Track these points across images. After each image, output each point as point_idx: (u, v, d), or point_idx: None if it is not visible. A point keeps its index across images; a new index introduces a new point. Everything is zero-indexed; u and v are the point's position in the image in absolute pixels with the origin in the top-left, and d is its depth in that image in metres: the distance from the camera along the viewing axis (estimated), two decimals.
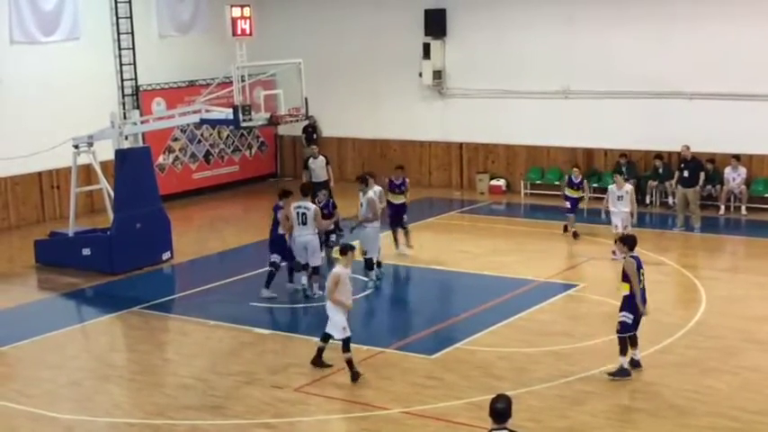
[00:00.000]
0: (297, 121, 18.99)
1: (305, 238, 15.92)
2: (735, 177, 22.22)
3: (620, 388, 11.95)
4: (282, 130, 27.34)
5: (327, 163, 21.38)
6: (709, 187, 22.37)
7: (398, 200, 18.94)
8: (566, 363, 12.85)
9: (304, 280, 16.25)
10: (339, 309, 12.46)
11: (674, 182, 21.58)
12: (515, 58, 24.69)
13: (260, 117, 17.75)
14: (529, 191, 24.86)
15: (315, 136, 27.75)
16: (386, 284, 17.09)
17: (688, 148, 21.23)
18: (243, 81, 17.54)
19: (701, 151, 22.58)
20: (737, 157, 22.18)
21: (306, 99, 18.31)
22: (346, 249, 12.80)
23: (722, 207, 22.24)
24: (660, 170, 22.98)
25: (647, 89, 23.03)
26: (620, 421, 10.99)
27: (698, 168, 21.18)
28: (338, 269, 12.55)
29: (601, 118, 23.70)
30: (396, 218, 18.88)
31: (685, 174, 20.94)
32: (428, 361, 13.13)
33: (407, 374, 12.62)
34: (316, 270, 16.12)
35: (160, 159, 25.04)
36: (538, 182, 24.81)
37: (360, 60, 26.80)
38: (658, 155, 23.07)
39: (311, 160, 21.26)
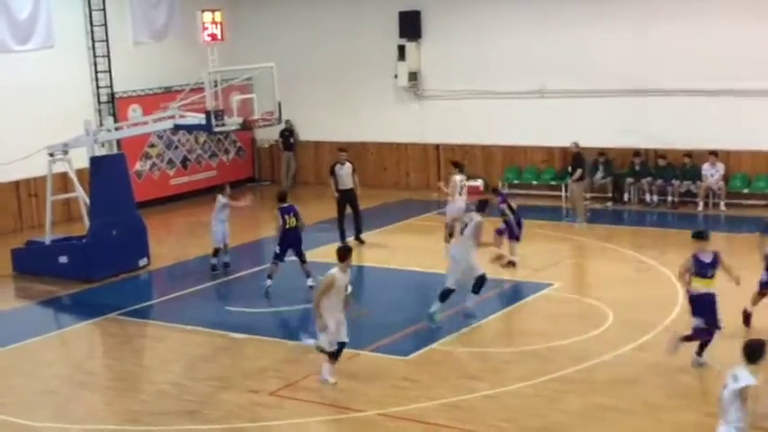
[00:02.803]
0: (270, 125, 18.99)
1: None
2: (713, 173, 22.31)
3: (594, 385, 11.98)
4: (261, 133, 27.29)
5: (354, 170, 20.30)
6: (687, 183, 22.53)
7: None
8: (541, 362, 12.87)
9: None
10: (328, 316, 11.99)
11: (570, 179, 21.92)
12: (491, 58, 24.74)
13: (233, 122, 17.73)
14: (506, 191, 24.78)
15: (292, 140, 27.77)
16: (362, 286, 17.08)
17: (577, 144, 21.68)
18: (216, 86, 17.53)
19: (678, 148, 22.78)
20: (715, 154, 22.30)
21: (279, 103, 18.32)
22: (346, 252, 12.24)
23: (701, 203, 22.34)
24: (637, 168, 23.08)
25: (624, 87, 23.08)
26: (596, 419, 11.01)
27: (583, 164, 21.72)
28: (335, 272, 12.02)
29: (578, 116, 23.75)
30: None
31: (569, 169, 21.71)
32: (404, 362, 13.14)
33: (383, 376, 12.62)
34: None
35: (137, 166, 24.96)
36: (515, 181, 24.85)
37: (335, 63, 26.80)
38: (636, 152, 23.17)
39: (338, 166, 20.21)
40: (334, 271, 12.06)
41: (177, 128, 19.60)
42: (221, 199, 18.19)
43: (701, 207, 22.29)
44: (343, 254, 12.23)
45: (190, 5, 22.68)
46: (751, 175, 22.43)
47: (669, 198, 22.59)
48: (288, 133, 27.58)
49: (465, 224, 14.79)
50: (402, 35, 25.64)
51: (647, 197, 22.94)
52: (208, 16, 17.90)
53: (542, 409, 11.34)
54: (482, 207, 15.17)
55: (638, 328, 13.98)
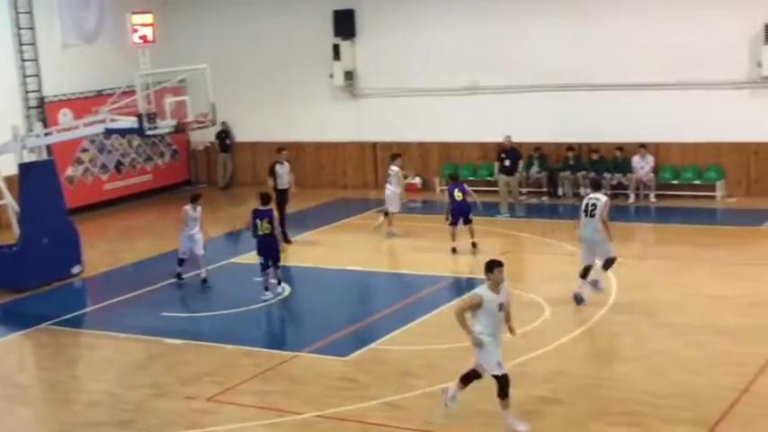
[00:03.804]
0: (205, 127, 18.80)
1: None
2: (643, 166, 22.65)
3: (535, 378, 12.04)
4: (197, 136, 27.01)
5: (290, 170, 20.35)
6: (619, 175, 22.83)
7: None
8: None
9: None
10: (487, 337, 10.37)
11: (495, 171, 22.52)
12: (425, 55, 24.78)
13: (166, 124, 17.53)
14: (444, 187, 24.88)
15: (228, 142, 27.55)
16: (301, 287, 16.98)
17: (509, 138, 22.13)
18: (148, 89, 17.29)
19: (610, 141, 23.05)
20: (645, 146, 22.62)
21: (213, 105, 18.15)
22: (493, 265, 10.31)
23: (632, 195, 22.67)
24: (571, 162, 23.32)
25: (557, 82, 23.29)
26: (534, 411, 11.05)
27: (517, 157, 22.22)
28: (482, 291, 10.32)
29: (512, 112, 23.88)
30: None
31: (506, 163, 22.10)
32: (342, 363, 13.07)
33: (322, 377, 12.54)
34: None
35: (69, 171, 24.52)
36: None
37: (270, 64, 26.62)
38: (570, 147, 23.40)
39: (278, 166, 20.15)
40: (482, 289, 10.36)
41: (109, 132, 19.29)
42: (190, 212, 17.05)
43: (632, 199, 22.62)
44: (490, 266, 10.32)
45: (120, 7, 22.35)
46: (679, 167, 22.80)
47: (602, 191, 22.82)
48: (224, 135, 27.35)
49: (593, 204, 14.91)
50: (337, 34, 25.56)
51: (582, 190, 23.16)
52: (138, 18, 17.69)
53: (481, 404, 11.32)
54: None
55: (574, 320, 14.11)
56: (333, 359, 13.20)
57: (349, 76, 25.70)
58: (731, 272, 16.21)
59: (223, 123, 26.41)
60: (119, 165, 26.21)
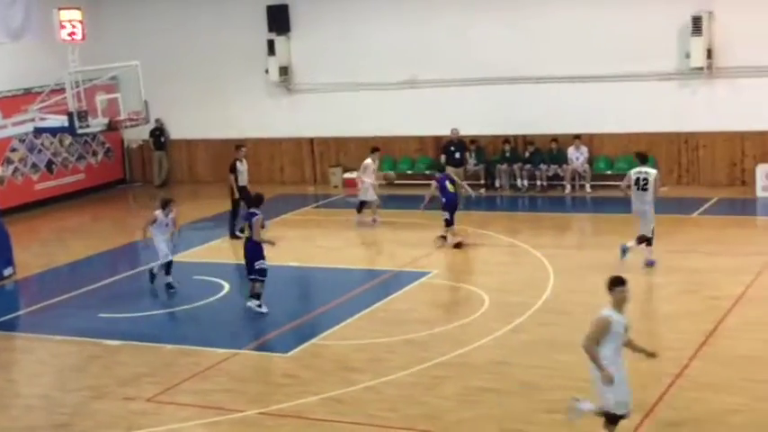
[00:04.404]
0: (138, 124, 18.56)
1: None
2: (578, 157, 22.94)
3: (474, 369, 12.13)
4: (130, 134, 26.64)
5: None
6: (555, 167, 23.09)
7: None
8: (421, 349, 12.95)
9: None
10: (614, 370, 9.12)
11: (443, 163, 22.51)
12: (362, 50, 24.74)
13: (98, 123, 17.28)
14: (382, 182, 24.94)
15: (163, 139, 27.23)
16: (240, 284, 16.84)
17: (456, 131, 22.57)
18: (78, 86, 17.01)
19: (545, 133, 23.29)
20: (579, 137, 22.91)
21: (146, 102, 17.92)
22: (617, 282, 9.26)
23: (567, 186, 22.95)
24: (508, 154, 23.52)
25: (493, 75, 23.42)
26: (473, 402, 11.13)
27: (464, 149, 22.64)
28: (609, 313, 9.21)
29: (449, 105, 24.00)
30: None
31: (456, 155, 22.56)
32: (284, 359, 13.02)
33: (263, 374, 12.49)
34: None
35: None
36: (390, 172, 24.91)
37: (204, 60, 26.34)
38: (506, 139, 23.59)
39: (239, 163, 19.90)
40: (607, 311, 9.26)
41: (38, 131, 18.95)
42: (161, 217, 16.16)
43: (568, 190, 22.91)
44: (612, 284, 9.29)
45: (47, 4, 21.87)
46: (613, 158, 23.14)
47: (538, 182, 23.12)
48: (158, 132, 27.03)
49: (644, 179, 15.81)
50: (271, 29, 25.39)
51: (518, 182, 23.40)
52: (65, 14, 17.40)
53: (422, 396, 11.41)
54: None
55: (512, 310, 14.24)
56: (274, 356, 13.15)
57: (284, 71, 25.56)
58: (664, 259, 16.50)
59: (157, 121, 26.08)
60: (50, 164, 25.72)
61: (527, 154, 23.42)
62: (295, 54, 25.67)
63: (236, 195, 19.75)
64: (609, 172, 23.02)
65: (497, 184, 23.70)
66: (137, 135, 26.59)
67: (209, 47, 26.25)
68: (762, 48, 21.28)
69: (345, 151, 25.68)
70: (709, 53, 21.67)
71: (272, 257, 18.35)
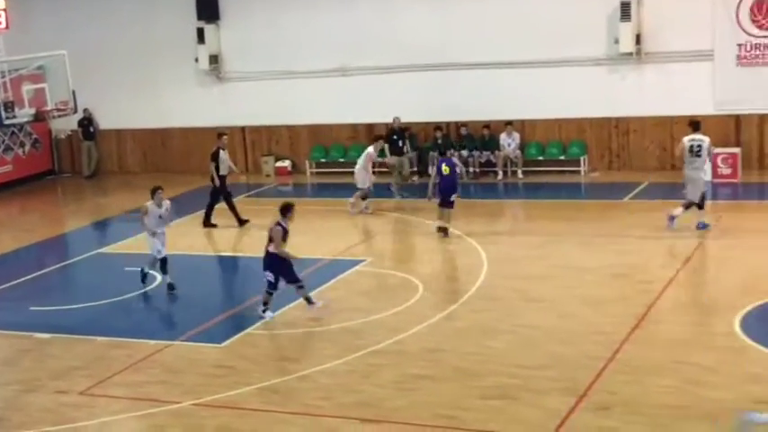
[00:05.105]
0: (66, 114, 18.27)
1: None
2: (510, 143, 23.16)
3: (409, 356, 12.21)
4: (58, 124, 26.14)
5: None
6: (487, 153, 23.29)
7: None
8: (356, 337, 12.98)
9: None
10: None
11: (387, 152, 22.32)
12: (293, 38, 24.63)
13: (25, 113, 16.98)
14: (315, 170, 24.99)
15: (92, 129, 26.81)
16: (173, 275, 16.67)
17: (398, 119, 22.76)
18: (3, 76, 16.67)
19: (477, 119, 23.47)
20: (510, 123, 23.13)
21: (73, 92, 17.64)
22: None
23: (500, 172, 23.17)
24: (440, 141, 23.62)
25: (424, 62, 23.52)
26: (408, 390, 11.20)
27: (406, 137, 22.86)
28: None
29: (381, 92, 24.02)
30: None
31: (400, 143, 22.66)
32: (218, 350, 12.96)
33: (197, 365, 12.40)
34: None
35: None
36: (322, 160, 24.97)
37: (133, 49, 25.97)
38: (438, 126, 23.70)
39: (222, 152, 19.61)
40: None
41: None
42: (153, 208, 15.47)
43: (500, 176, 23.14)
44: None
45: None
46: (544, 143, 23.43)
47: (471, 169, 23.29)
48: (87, 122, 26.61)
49: (698, 146, 16.67)
50: (200, 17, 25.13)
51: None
52: None
53: (357, 385, 11.45)
54: None
55: (446, 297, 14.37)
56: (208, 346, 13.06)
57: (214, 59, 25.34)
58: (596, 244, 16.78)
59: (85, 111, 25.68)
60: None
61: (459, 140, 23.59)
62: (225, 42, 25.46)
63: (217, 184, 19.51)
64: (540, 158, 23.32)
65: (430, 171, 23.77)
66: (65, 125, 26.11)
67: (137, 35, 25.89)
68: (690, 33, 21.69)
69: (277, 140, 25.58)
70: (638, 38, 22.02)
71: (205, 247, 18.30)
